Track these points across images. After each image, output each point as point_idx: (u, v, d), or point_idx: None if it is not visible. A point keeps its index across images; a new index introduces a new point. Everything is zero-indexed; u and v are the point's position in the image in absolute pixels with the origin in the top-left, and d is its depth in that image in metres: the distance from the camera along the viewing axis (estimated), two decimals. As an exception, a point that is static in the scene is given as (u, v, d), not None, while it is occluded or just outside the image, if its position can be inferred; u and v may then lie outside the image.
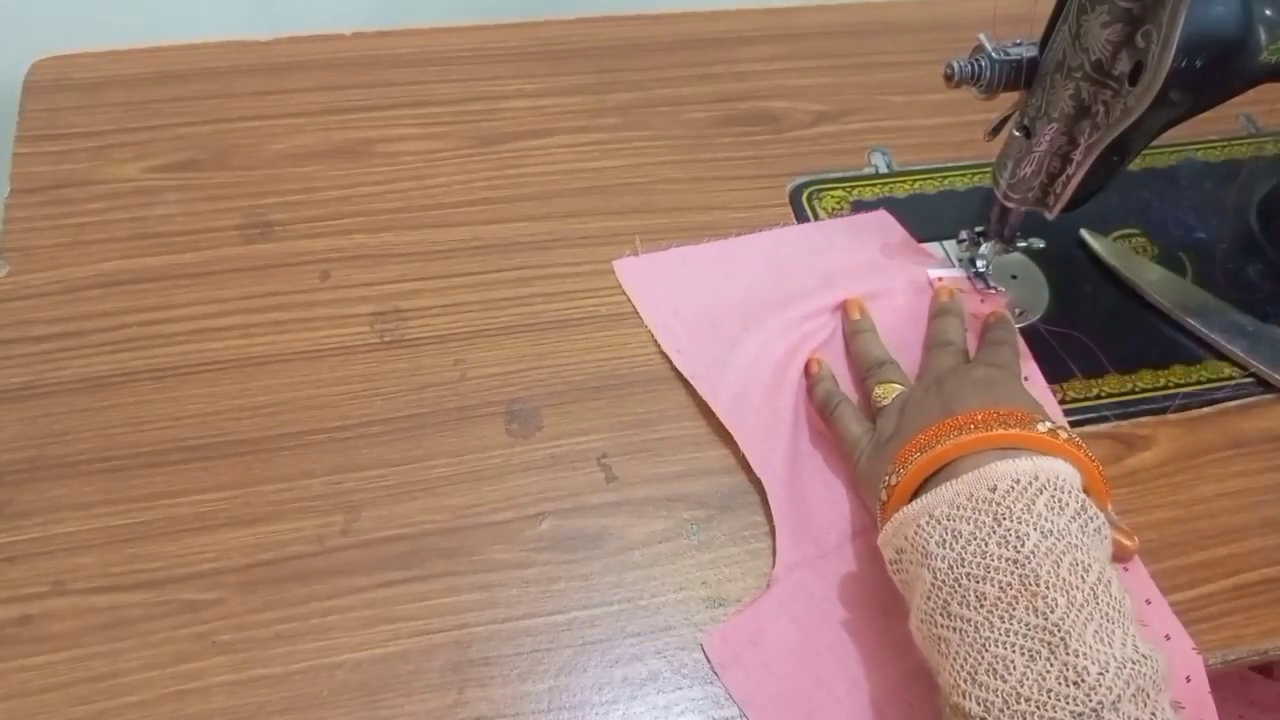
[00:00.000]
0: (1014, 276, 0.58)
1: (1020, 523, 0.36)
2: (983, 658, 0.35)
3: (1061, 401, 0.53)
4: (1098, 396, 0.53)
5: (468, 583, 0.45)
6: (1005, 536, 0.36)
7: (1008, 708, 0.34)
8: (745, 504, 0.48)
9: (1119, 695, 0.33)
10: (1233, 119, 0.69)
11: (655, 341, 0.54)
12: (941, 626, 0.36)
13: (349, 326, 0.53)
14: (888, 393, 0.48)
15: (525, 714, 0.42)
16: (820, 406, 0.50)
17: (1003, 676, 0.34)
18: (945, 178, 0.63)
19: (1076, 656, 0.33)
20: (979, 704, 0.34)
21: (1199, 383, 0.54)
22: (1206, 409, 0.54)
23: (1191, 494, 0.50)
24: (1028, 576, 0.35)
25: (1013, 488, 0.37)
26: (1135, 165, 0.63)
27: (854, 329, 0.53)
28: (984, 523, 0.36)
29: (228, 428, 0.49)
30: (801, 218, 0.61)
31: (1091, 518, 0.37)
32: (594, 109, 0.66)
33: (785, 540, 0.47)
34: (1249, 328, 0.55)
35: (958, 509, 0.37)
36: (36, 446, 0.48)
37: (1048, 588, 0.35)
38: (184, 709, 0.41)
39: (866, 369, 0.51)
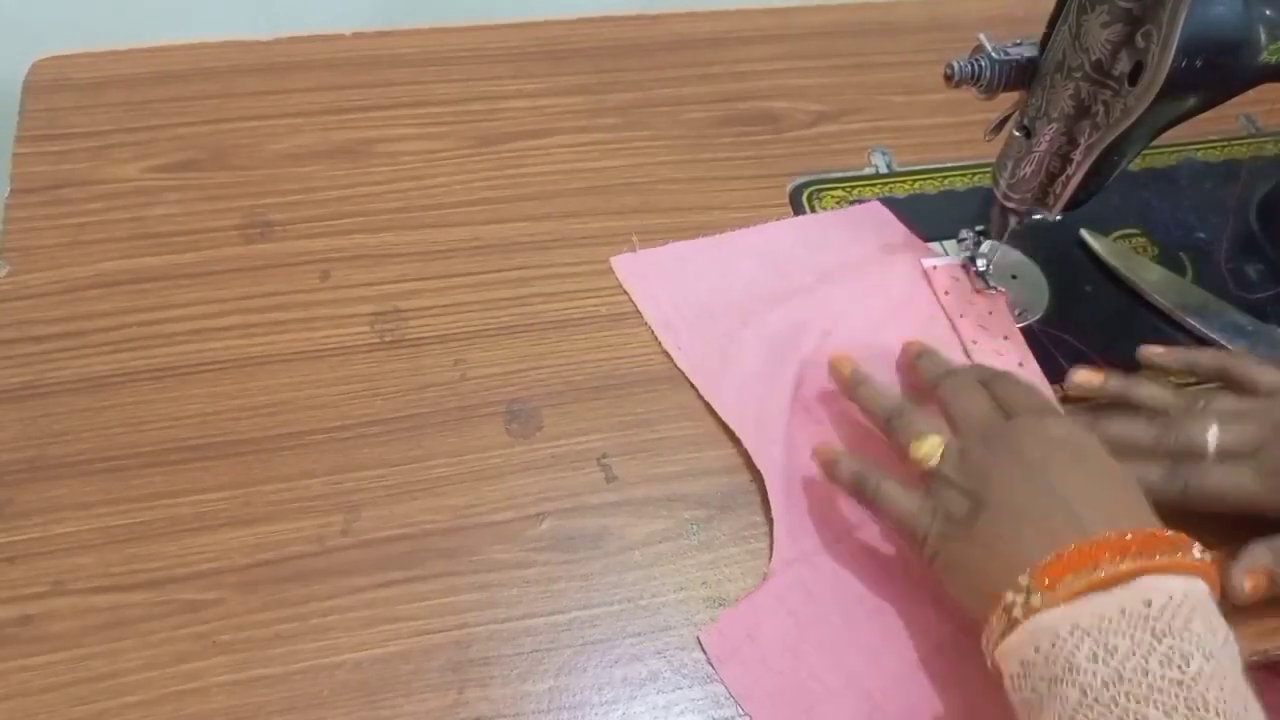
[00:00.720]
0: (1014, 276, 0.58)
1: (1183, 641, 0.34)
2: None
3: (1061, 401, 0.52)
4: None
5: (468, 583, 0.45)
6: (1168, 655, 0.33)
7: None
8: (745, 504, 0.48)
9: None
10: (1233, 119, 0.69)
11: (655, 340, 0.54)
12: None
13: (349, 326, 0.53)
14: (933, 450, 0.44)
15: (525, 714, 0.42)
16: (854, 489, 0.45)
17: None
18: (945, 178, 0.63)
19: None
20: None
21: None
22: (1206, 409, 0.54)
23: (1191, 494, 0.50)
24: (1194, 700, 0.32)
25: (1167, 604, 0.34)
26: (1135, 165, 0.63)
27: (852, 383, 0.49)
28: (1143, 640, 0.34)
29: (228, 428, 0.49)
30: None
31: (1233, 642, 0.35)
32: (594, 109, 0.66)
33: (783, 535, 0.47)
34: (1249, 327, 0.55)
35: (1109, 621, 0.34)
36: (36, 446, 0.48)
37: (1216, 715, 0.32)
38: (184, 709, 0.41)
39: (885, 419, 0.47)
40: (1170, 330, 0.56)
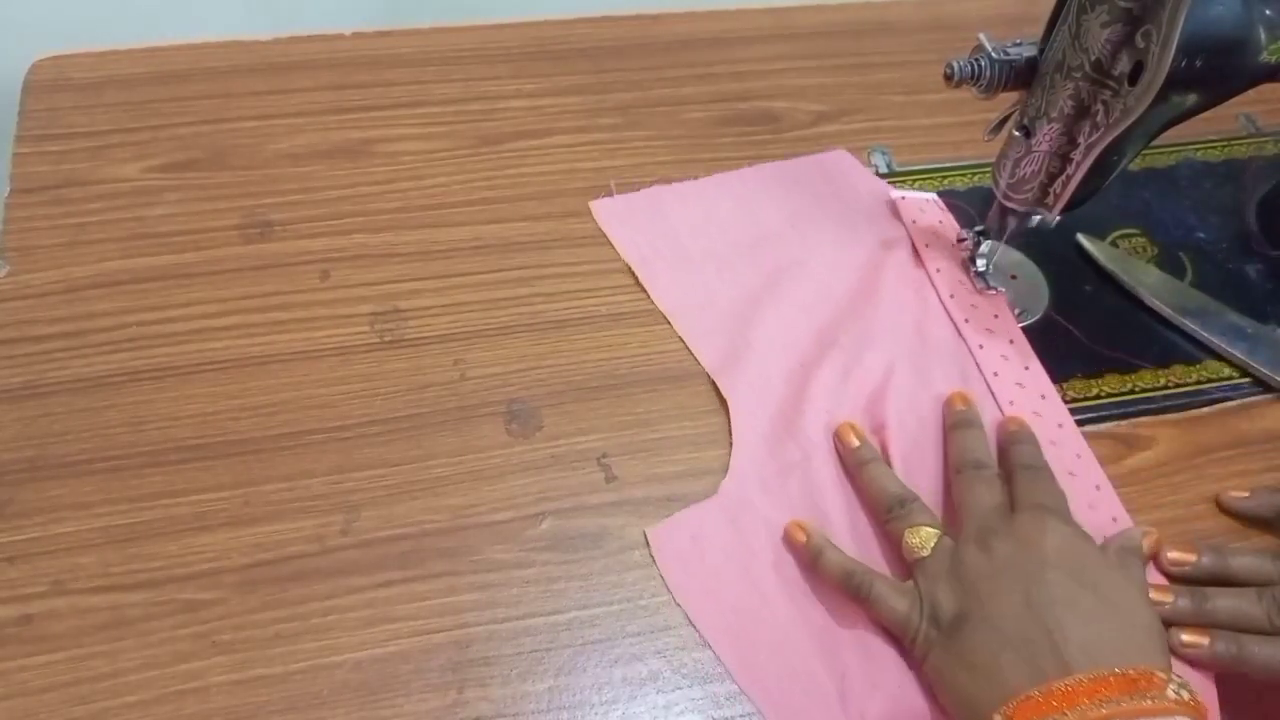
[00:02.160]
0: (1014, 276, 0.58)
1: None
2: None
3: (1061, 401, 0.53)
4: (1097, 396, 0.53)
5: (467, 582, 0.45)
6: None
7: None
8: (745, 504, 0.48)
9: None
10: (1233, 119, 0.69)
11: (655, 340, 0.54)
12: None
13: (349, 326, 0.53)
14: (925, 541, 0.44)
15: (525, 714, 0.42)
16: (840, 583, 0.44)
17: None
18: (945, 178, 0.63)
19: None
20: None
21: (1199, 382, 0.54)
22: (1206, 409, 0.54)
23: (1191, 494, 0.50)
24: None
25: None
26: (1135, 165, 0.63)
27: (858, 460, 0.48)
28: None
29: (228, 427, 0.49)
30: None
31: None
32: (593, 109, 0.66)
33: (740, 459, 0.49)
34: (1248, 330, 0.55)
35: None
36: (36, 446, 0.48)
37: None
38: (184, 709, 0.41)
39: (886, 508, 0.46)
40: (1170, 330, 0.56)
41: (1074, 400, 0.53)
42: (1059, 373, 0.54)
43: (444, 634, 0.43)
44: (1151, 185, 0.64)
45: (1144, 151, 0.49)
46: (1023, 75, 0.49)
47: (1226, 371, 0.55)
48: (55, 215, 0.57)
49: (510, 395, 0.51)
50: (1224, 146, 0.67)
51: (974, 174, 0.64)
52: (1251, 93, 0.47)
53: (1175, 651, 0.42)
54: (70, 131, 0.61)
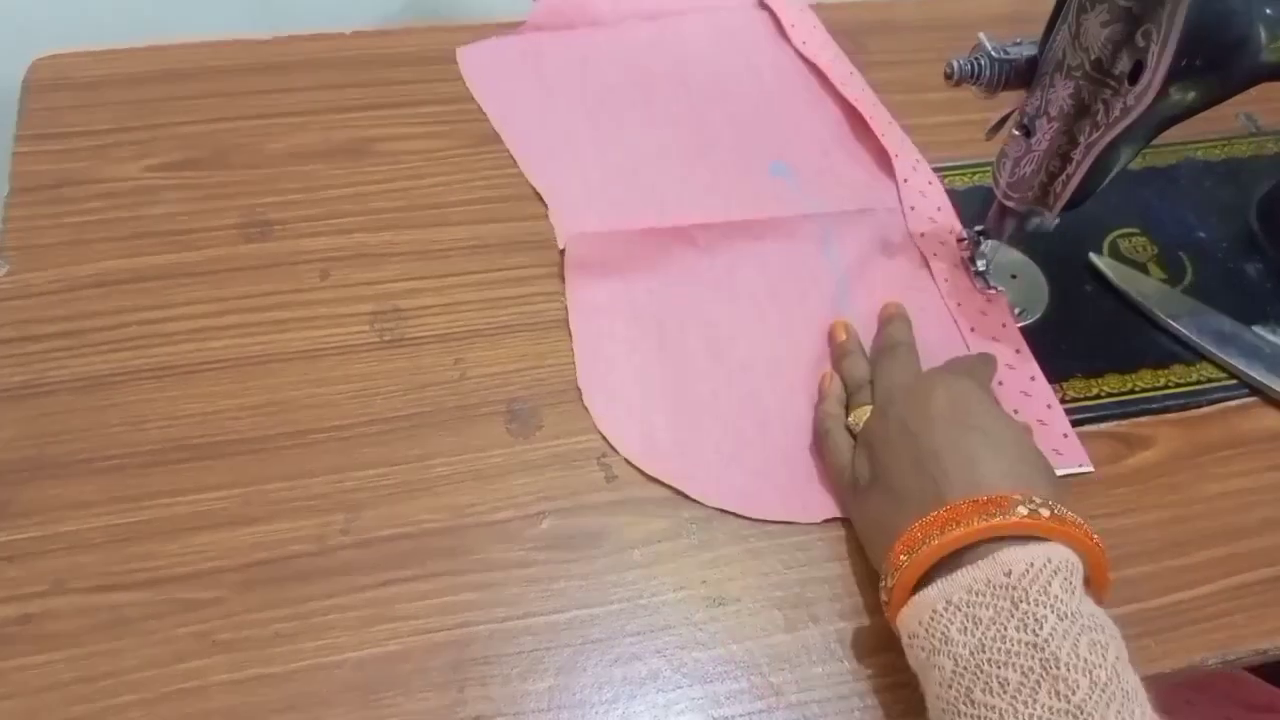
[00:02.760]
0: (1014, 276, 0.58)
1: (1037, 605, 0.36)
2: None
3: (1062, 400, 0.53)
4: (1098, 396, 0.53)
5: (468, 582, 0.45)
6: (1024, 620, 0.36)
7: None
8: (745, 503, 0.48)
9: None
10: (1233, 119, 0.69)
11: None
12: (965, 713, 0.36)
13: (349, 326, 0.53)
14: (859, 418, 0.48)
15: (525, 713, 0.42)
16: (819, 428, 0.50)
17: None
18: (945, 177, 0.63)
19: None
20: None
21: (1199, 382, 0.54)
22: (1206, 409, 0.54)
23: (1191, 494, 0.50)
24: (1048, 660, 0.35)
25: (1027, 571, 0.37)
26: (1135, 165, 0.63)
27: (840, 351, 0.53)
28: (1002, 607, 0.36)
29: (228, 427, 0.49)
30: (801, 217, 0.61)
31: (1091, 604, 0.37)
32: (594, 108, 0.66)
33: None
34: (1226, 330, 0.55)
35: (976, 594, 0.37)
36: (36, 446, 0.48)
37: (1068, 669, 0.34)
38: (184, 708, 0.41)
39: (850, 393, 0.50)
40: (1159, 334, 0.56)
41: (1074, 400, 0.53)
42: (1059, 373, 0.54)
43: (444, 633, 0.43)
44: (1151, 185, 0.64)
45: (1144, 151, 0.49)
46: (1023, 75, 0.49)
47: (1226, 371, 0.55)
48: (55, 215, 0.57)
49: (510, 395, 0.51)
50: (1224, 146, 0.67)
51: (974, 174, 0.64)
52: (1251, 92, 0.47)
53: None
54: (70, 131, 0.61)
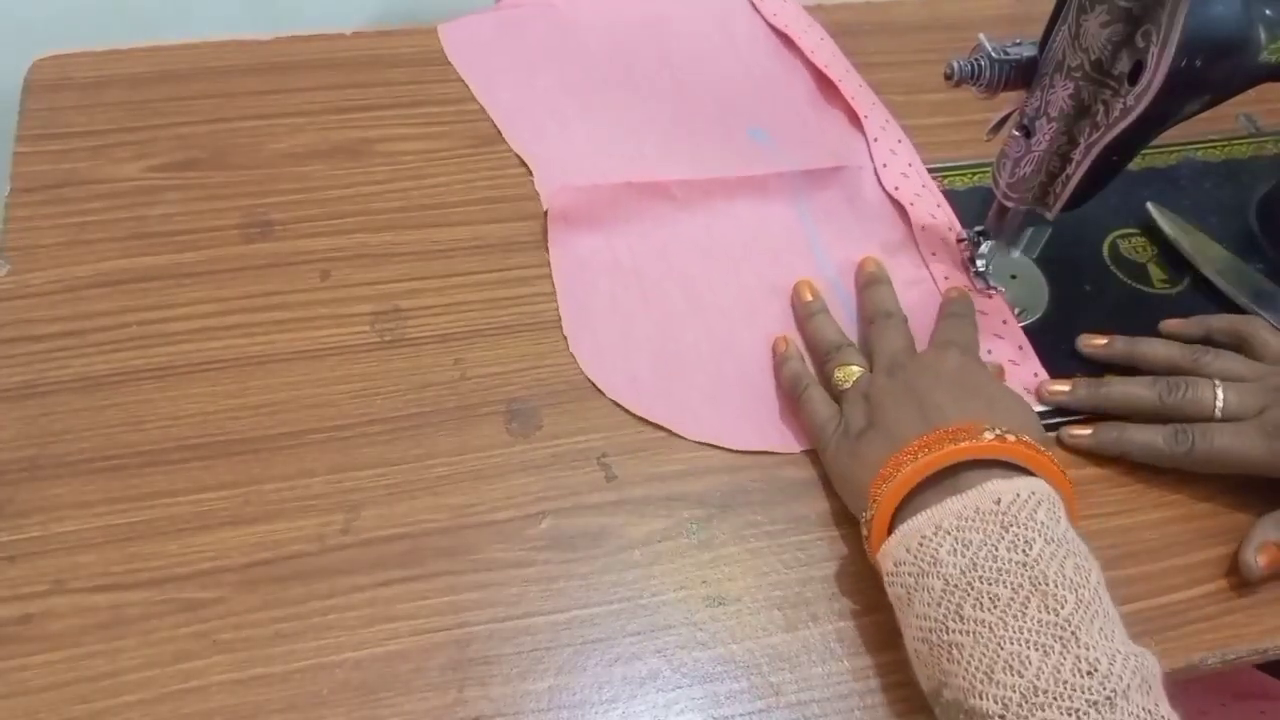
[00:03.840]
0: (1014, 276, 0.58)
1: (1026, 529, 0.38)
2: (999, 656, 0.36)
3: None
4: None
5: (467, 582, 0.45)
6: (1014, 542, 0.37)
7: (1026, 701, 0.35)
8: (745, 503, 0.48)
9: (1128, 684, 0.34)
10: (1233, 119, 0.69)
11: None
12: (954, 631, 0.37)
13: (349, 326, 0.53)
14: (848, 376, 0.49)
15: (525, 713, 0.42)
16: (788, 387, 0.51)
17: (1019, 672, 0.35)
18: (945, 178, 0.63)
19: (1087, 649, 0.35)
20: (997, 702, 0.35)
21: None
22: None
23: (1191, 494, 0.50)
24: (1037, 578, 0.37)
25: (1015, 500, 0.38)
26: (1135, 165, 0.64)
27: (806, 311, 0.54)
28: (992, 531, 0.38)
29: (228, 427, 0.49)
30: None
31: (1072, 530, 0.39)
32: (594, 109, 0.66)
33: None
34: None
35: (965, 520, 0.38)
36: (36, 446, 0.48)
37: (1056, 586, 0.36)
38: (184, 708, 0.41)
39: (825, 353, 0.52)
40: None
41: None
42: (1059, 373, 0.54)
43: (444, 633, 0.43)
44: (1151, 185, 0.64)
45: (1144, 151, 0.49)
46: (1023, 75, 0.49)
47: (1226, 371, 0.55)
48: (55, 215, 0.57)
49: (510, 395, 0.51)
50: (1224, 146, 0.67)
51: (974, 174, 0.64)
52: (1251, 93, 0.47)
53: (1063, 444, 0.50)
54: (70, 131, 0.61)
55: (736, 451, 0.50)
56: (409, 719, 0.41)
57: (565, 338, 0.53)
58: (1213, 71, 0.44)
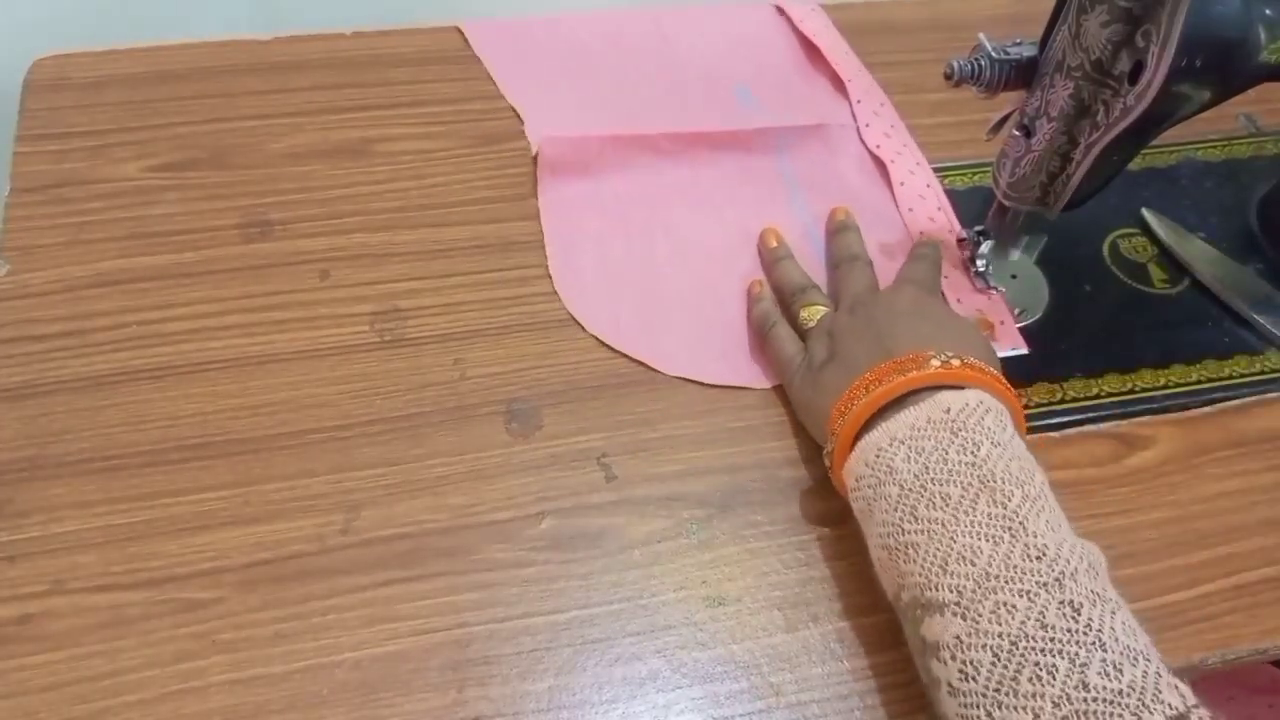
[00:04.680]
0: (1014, 276, 0.58)
1: (974, 433, 0.40)
2: (952, 549, 0.38)
3: (1061, 401, 0.53)
4: (1097, 396, 0.53)
5: (467, 582, 0.45)
6: (963, 445, 0.40)
7: (979, 587, 0.36)
8: (745, 503, 0.48)
9: (1075, 568, 0.36)
10: (1233, 119, 0.69)
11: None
12: (910, 532, 0.39)
13: (349, 326, 0.53)
14: (812, 315, 0.52)
15: (525, 713, 0.42)
16: (757, 326, 0.54)
17: (971, 562, 0.37)
18: (945, 178, 0.63)
19: (1035, 537, 0.37)
20: (951, 590, 0.37)
21: (1199, 382, 0.54)
22: (1206, 409, 0.54)
23: (1191, 494, 0.50)
24: (985, 476, 0.39)
25: (964, 408, 0.41)
26: (1135, 165, 0.64)
27: (773, 257, 0.57)
28: (943, 437, 0.40)
29: (227, 427, 0.49)
30: (801, 217, 0.61)
31: (1017, 435, 0.42)
32: (594, 108, 0.66)
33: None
34: None
35: (918, 430, 0.41)
36: (36, 446, 0.48)
37: (1003, 483, 0.39)
38: (184, 708, 0.41)
39: (790, 294, 0.54)
40: (1170, 330, 0.56)
41: (1074, 400, 0.53)
42: (1059, 373, 0.54)
43: (444, 633, 0.43)
44: (1151, 185, 0.64)
45: (1144, 151, 0.49)
46: (1023, 75, 0.49)
47: (1226, 371, 0.55)
48: (55, 215, 0.57)
49: (510, 395, 0.51)
50: (1224, 146, 0.67)
51: (974, 174, 0.64)
52: (1251, 93, 0.47)
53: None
54: (70, 131, 0.61)
55: (713, 387, 0.52)
56: (409, 719, 0.41)
57: (550, 276, 0.56)
58: (1213, 72, 0.44)
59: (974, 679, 0.35)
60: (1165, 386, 0.54)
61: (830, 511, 0.48)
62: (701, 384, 0.53)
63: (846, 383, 0.45)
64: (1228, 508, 0.50)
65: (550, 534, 0.47)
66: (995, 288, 0.57)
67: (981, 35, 0.49)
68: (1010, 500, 0.38)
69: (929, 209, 0.60)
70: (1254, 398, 0.54)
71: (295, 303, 0.54)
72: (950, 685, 0.36)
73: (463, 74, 0.67)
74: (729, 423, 0.51)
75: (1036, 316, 0.57)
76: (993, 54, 0.48)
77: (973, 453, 0.39)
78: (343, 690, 0.42)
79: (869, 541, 0.42)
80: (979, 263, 0.57)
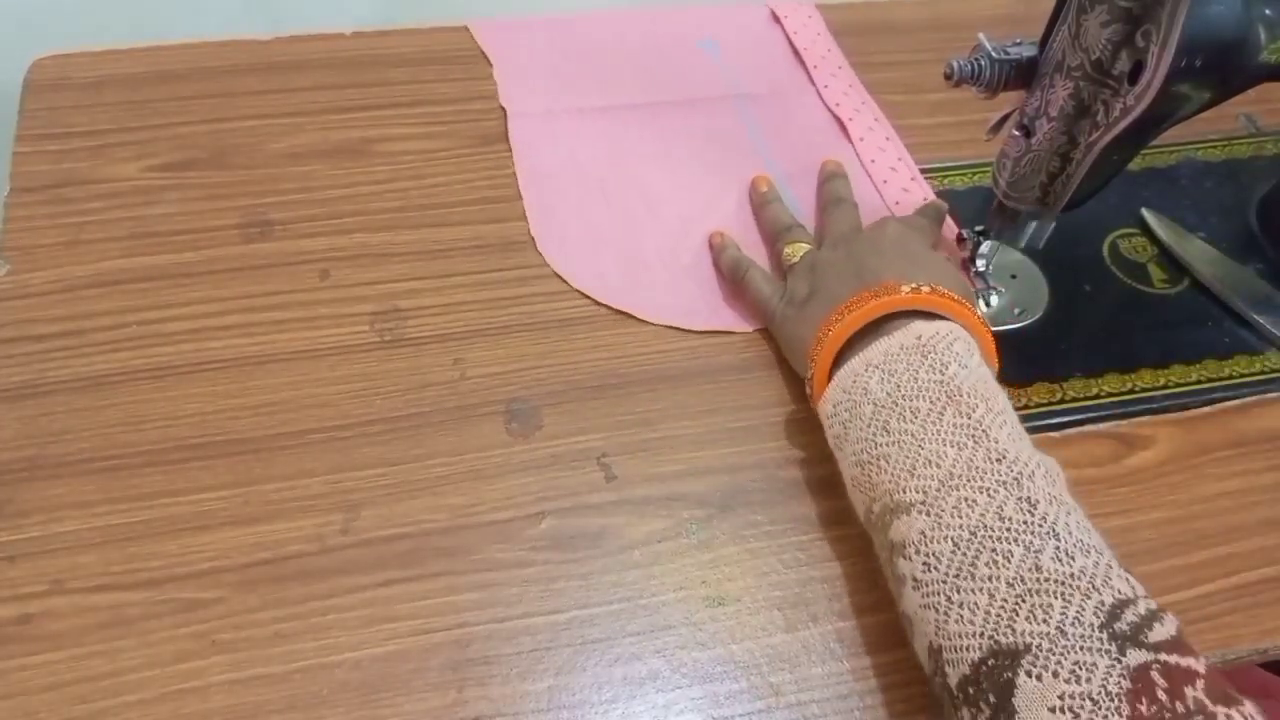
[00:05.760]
0: (1014, 276, 0.58)
1: (943, 355, 0.42)
2: (919, 455, 0.40)
3: (1061, 400, 0.53)
4: (1097, 396, 0.53)
5: (467, 582, 0.45)
6: (932, 365, 0.42)
7: (943, 486, 0.39)
8: (745, 503, 0.48)
9: (1033, 471, 0.39)
10: (1233, 119, 0.69)
11: (655, 340, 0.54)
12: (882, 445, 0.41)
13: (349, 326, 0.53)
14: (795, 251, 0.54)
15: (525, 713, 0.42)
16: (730, 272, 0.56)
17: (937, 464, 0.39)
18: (945, 178, 0.63)
19: (996, 443, 0.40)
20: (918, 491, 0.39)
21: (1199, 382, 0.54)
22: (1206, 409, 0.54)
23: (1191, 494, 0.50)
24: (952, 391, 0.41)
25: (935, 335, 0.43)
26: (1135, 165, 0.64)
27: (762, 200, 0.59)
28: (914, 360, 0.43)
29: (227, 427, 0.49)
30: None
31: (981, 359, 0.44)
32: (594, 108, 0.66)
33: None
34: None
35: (891, 356, 0.43)
36: (36, 446, 0.48)
37: (969, 397, 0.41)
38: (183, 708, 0.41)
39: (775, 234, 0.57)
40: (1169, 329, 0.56)
41: (1074, 400, 0.53)
42: (1059, 373, 0.54)
43: (444, 633, 0.43)
44: (1151, 185, 0.64)
45: (1144, 151, 0.49)
46: (1023, 75, 0.49)
47: (1226, 371, 0.55)
48: (55, 215, 0.57)
49: (510, 395, 0.51)
50: (1224, 146, 0.67)
51: (974, 174, 0.64)
52: (1251, 93, 0.47)
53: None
54: (70, 131, 0.61)
55: (696, 332, 0.54)
56: (409, 719, 0.41)
57: (533, 238, 0.58)
58: (1213, 72, 0.44)
59: (935, 569, 0.38)
60: (1165, 386, 0.54)
61: (830, 511, 0.48)
62: (705, 379, 0.53)
63: (826, 313, 0.47)
64: (1228, 508, 0.50)
65: (550, 534, 0.47)
66: (995, 287, 0.57)
67: (981, 35, 0.49)
68: (975, 411, 0.40)
69: (890, 158, 0.64)
70: (1254, 398, 0.54)
71: (295, 303, 0.54)
72: (915, 579, 0.38)
73: (463, 74, 0.67)
74: (729, 423, 0.51)
75: (1036, 316, 0.57)
76: (993, 54, 0.48)
77: (940, 371, 0.42)
78: (343, 690, 0.42)
79: (842, 465, 0.44)
80: (979, 262, 0.57)
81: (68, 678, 0.41)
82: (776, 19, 0.72)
